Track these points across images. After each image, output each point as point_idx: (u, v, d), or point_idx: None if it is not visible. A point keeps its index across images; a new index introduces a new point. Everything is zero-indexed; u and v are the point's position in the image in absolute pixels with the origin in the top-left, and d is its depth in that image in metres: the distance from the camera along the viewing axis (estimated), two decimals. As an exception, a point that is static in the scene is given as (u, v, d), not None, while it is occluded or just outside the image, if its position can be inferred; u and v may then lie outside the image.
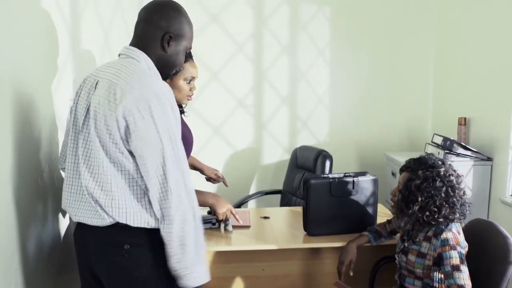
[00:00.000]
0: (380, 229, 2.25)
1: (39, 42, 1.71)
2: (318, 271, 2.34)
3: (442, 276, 1.86)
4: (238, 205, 3.44)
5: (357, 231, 2.28)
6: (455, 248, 1.80)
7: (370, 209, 2.35)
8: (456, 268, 1.78)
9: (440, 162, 1.94)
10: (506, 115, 2.97)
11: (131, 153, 1.43)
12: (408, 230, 2.04)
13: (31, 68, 1.63)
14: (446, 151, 3.18)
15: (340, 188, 2.29)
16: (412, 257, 1.94)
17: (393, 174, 3.64)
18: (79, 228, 1.58)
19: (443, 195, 1.86)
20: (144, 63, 1.52)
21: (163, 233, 1.43)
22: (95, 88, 1.47)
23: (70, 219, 1.96)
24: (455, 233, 1.83)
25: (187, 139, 2.12)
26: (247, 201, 3.64)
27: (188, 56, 2.04)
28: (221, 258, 2.30)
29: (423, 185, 1.87)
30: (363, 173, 2.37)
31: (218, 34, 3.81)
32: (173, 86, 2.00)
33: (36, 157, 1.67)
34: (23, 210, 1.55)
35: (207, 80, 3.83)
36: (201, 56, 3.76)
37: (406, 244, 2.00)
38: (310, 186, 2.26)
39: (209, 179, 2.65)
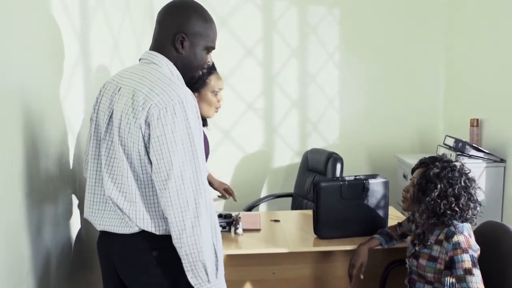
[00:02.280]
0: (391, 231, 2.23)
1: (48, 47, 1.72)
2: (329, 274, 2.33)
3: (454, 280, 1.83)
4: (249, 208, 3.44)
5: (368, 234, 2.26)
6: (467, 251, 1.78)
7: (381, 212, 2.34)
8: (469, 271, 1.75)
9: (454, 160, 1.95)
10: (519, 116, 2.94)
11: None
12: (419, 233, 2.02)
13: (40, 72, 1.64)
14: (458, 152, 3.15)
15: (351, 191, 2.28)
16: (423, 261, 1.92)
17: (404, 176, 3.61)
18: (104, 237, 1.55)
19: (462, 184, 1.85)
20: (166, 67, 1.49)
21: (178, 247, 1.36)
22: (118, 95, 1.45)
23: (82, 223, 1.97)
24: (466, 236, 1.81)
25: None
26: (258, 204, 3.64)
27: (212, 69, 2.07)
28: (231, 261, 2.29)
29: (443, 173, 1.86)
30: (373, 176, 2.36)
31: (227, 38, 3.82)
32: (201, 99, 2.06)
33: (46, 161, 1.68)
34: (34, 215, 1.56)
35: (217, 84, 3.83)
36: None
37: (417, 248, 1.98)
38: (320, 189, 2.25)
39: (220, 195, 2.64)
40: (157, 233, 1.44)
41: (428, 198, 1.86)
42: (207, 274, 1.37)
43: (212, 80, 2.07)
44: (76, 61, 1.98)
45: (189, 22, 1.50)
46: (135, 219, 1.43)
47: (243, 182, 3.99)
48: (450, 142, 3.35)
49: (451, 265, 1.82)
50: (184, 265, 1.38)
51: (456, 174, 1.86)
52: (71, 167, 1.90)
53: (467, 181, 1.87)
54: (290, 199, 3.63)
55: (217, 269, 1.40)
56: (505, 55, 3.11)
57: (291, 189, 3.69)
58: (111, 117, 1.46)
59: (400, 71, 3.98)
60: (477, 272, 1.76)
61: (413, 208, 1.98)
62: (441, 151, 3.40)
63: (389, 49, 3.97)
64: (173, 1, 1.55)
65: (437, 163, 1.91)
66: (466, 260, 1.76)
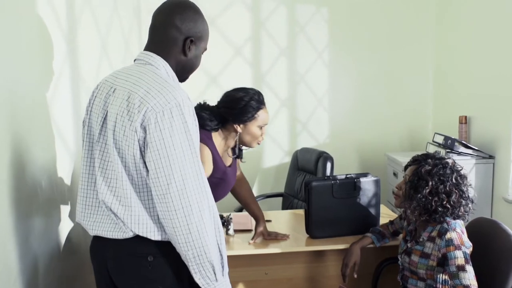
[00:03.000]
0: (383, 230, 2.23)
1: (35, 48, 1.69)
2: (322, 273, 2.32)
3: (446, 277, 1.84)
4: (240, 209, 3.42)
5: (360, 232, 2.26)
6: (459, 248, 1.78)
7: (372, 210, 2.33)
8: (461, 268, 1.76)
9: (446, 157, 1.95)
10: (507, 113, 2.96)
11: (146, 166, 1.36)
12: (411, 230, 2.02)
13: (26, 74, 1.61)
14: (447, 150, 3.17)
15: (342, 190, 2.28)
16: (415, 258, 1.93)
17: (394, 174, 3.62)
18: (97, 242, 1.51)
19: (453, 181, 1.86)
20: (163, 69, 1.45)
21: (184, 251, 1.35)
22: (113, 96, 1.40)
23: (71, 229, 1.95)
24: (459, 233, 1.81)
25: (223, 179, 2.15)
26: (249, 205, 3.61)
27: (261, 103, 2.09)
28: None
29: (434, 170, 1.87)
30: (364, 174, 2.36)
31: (216, 38, 3.80)
32: (246, 132, 2.07)
33: (33, 167, 1.65)
34: (21, 222, 1.53)
35: (206, 84, 3.82)
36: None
37: (409, 245, 1.99)
38: (312, 188, 2.25)
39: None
40: (152, 238, 1.40)
41: (419, 195, 1.87)
42: (214, 273, 1.37)
43: (261, 115, 2.07)
44: (64, 61, 1.95)
45: (198, 26, 1.49)
46: (129, 223, 1.39)
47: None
48: (439, 139, 3.36)
49: (443, 262, 1.82)
50: (191, 267, 1.36)
51: (448, 171, 1.87)
52: (58, 173, 1.87)
53: (458, 178, 1.87)
54: (280, 199, 3.63)
55: (223, 267, 1.40)
56: (492, 54, 3.13)
57: (281, 189, 3.68)
58: (105, 119, 1.42)
59: (389, 70, 4.00)
60: (469, 268, 1.76)
61: (405, 205, 1.97)
62: (431, 148, 3.41)
63: (378, 48, 3.97)
64: (176, 2, 1.50)
65: (429, 160, 1.91)
66: (459, 257, 1.77)
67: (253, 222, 2.57)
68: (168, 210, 1.32)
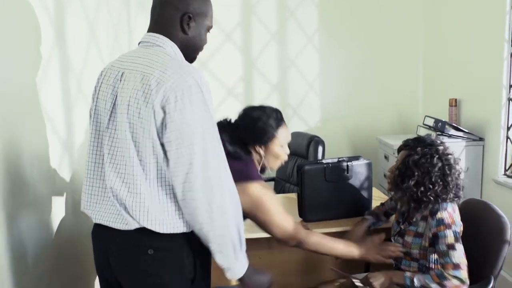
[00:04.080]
0: (378, 211, 2.25)
1: (22, 34, 1.67)
2: (315, 256, 2.33)
3: (437, 256, 1.86)
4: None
5: (353, 215, 2.28)
6: (450, 227, 1.80)
7: (365, 193, 2.35)
8: (451, 246, 1.78)
9: (438, 142, 1.94)
10: (497, 95, 2.97)
11: (164, 147, 1.33)
12: (403, 212, 2.04)
13: (13, 62, 1.59)
14: (438, 132, 3.19)
15: (335, 173, 2.28)
16: (409, 238, 1.94)
17: (385, 157, 3.64)
18: (100, 229, 1.48)
19: (439, 172, 1.85)
20: (171, 49, 1.43)
21: (206, 231, 1.35)
22: (123, 80, 1.37)
23: (62, 220, 1.94)
24: (450, 212, 1.83)
25: None
26: (241, 190, 3.62)
27: (280, 120, 1.94)
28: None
29: (421, 161, 1.86)
30: (356, 158, 2.37)
31: (206, 23, 3.77)
32: (269, 153, 1.91)
33: (23, 154, 1.64)
34: (13, 213, 1.52)
35: (196, 70, 3.79)
36: (189, 45, 3.73)
37: (402, 227, 2.00)
38: (304, 172, 2.25)
39: None
40: (156, 229, 1.36)
41: (405, 185, 1.88)
42: (234, 252, 1.38)
43: (280, 133, 1.91)
44: (52, 48, 1.92)
45: (196, 1, 1.45)
46: (137, 213, 1.35)
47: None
48: (430, 122, 3.38)
49: (434, 241, 1.85)
50: (212, 247, 1.36)
51: (435, 161, 1.86)
52: (50, 162, 1.85)
53: (446, 168, 1.86)
54: (272, 183, 3.63)
55: (241, 246, 1.42)
56: (481, 37, 3.14)
57: (273, 173, 3.68)
58: (114, 104, 1.39)
59: (379, 54, 4.00)
60: (459, 247, 1.79)
61: (393, 192, 1.99)
62: (421, 131, 3.43)
63: (368, 32, 3.97)
64: None
65: (419, 148, 1.89)
66: (449, 236, 1.79)
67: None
68: (190, 190, 1.31)
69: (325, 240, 1.93)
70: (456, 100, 3.38)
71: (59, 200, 1.94)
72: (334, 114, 4.06)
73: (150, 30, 1.47)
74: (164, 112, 1.29)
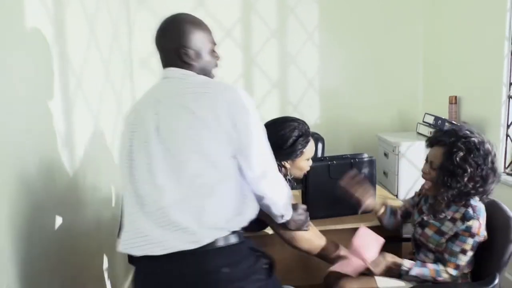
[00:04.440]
0: (398, 210, 2.23)
1: (22, 32, 1.66)
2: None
3: (445, 251, 1.90)
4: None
5: (357, 213, 2.28)
6: (473, 237, 1.82)
7: (368, 190, 2.35)
8: (464, 251, 1.83)
9: (469, 132, 1.88)
10: (497, 93, 2.99)
11: (232, 154, 1.40)
12: (430, 204, 2.03)
13: (13, 60, 1.59)
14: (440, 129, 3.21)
15: (339, 170, 2.29)
16: (429, 232, 1.95)
17: (385, 154, 3.65)
18: (154, 262, 1.37)
19: (489, 164, 1.83)
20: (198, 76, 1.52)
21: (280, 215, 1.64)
22: (163, 106, 1.41)
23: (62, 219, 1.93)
24: (480, 223, 1.83)
25: None
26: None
27: (307, 136, 1.95)
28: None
29: (470, 156, 1.82)
30: (360, 154, 2.37)
31: (205, 21, 3.74)
32: (294, 166, 1.95)
33: (24, 155, 1.63)
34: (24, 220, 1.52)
35: (196, 67, 3.78)
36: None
37: (425, 218, 2.00)
38: (309, 169, 2.25)
39: None
40: (227, 235, 1.38)
41: (459, 184, 1.83)
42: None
43: (308, 148, 1.95)
44: (52, 46, 1.91)
45: (185, 35, 1.51)
46: (204, 225, 1.34)
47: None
48: (430, 119, 3.40)
49: (451, 239, 1.87)
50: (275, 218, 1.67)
51: (482, 154, 1.82)
52: (49, 161, 1.85)
53: (491, 158, 1.84)
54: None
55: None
56: (481, 35, 3.15)
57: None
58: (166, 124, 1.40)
59: (379, 51, 4.01)
60: (470, 254, 1.84)
61: (436, 190, 1.94)
62: (421, 129, 3.45)
63: (368, 29, 3.97)
64: (161, 26, 1.55)
65: (459, 143, 1.84)
66: (468, 243, 1.83)
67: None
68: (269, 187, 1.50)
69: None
70: (456, 97, 3.39)
71: (60, 199, 1.94)
72: (334, 111, 4.06)
73: (168, 66, 1.56)
74: (233, 122, 1.41)
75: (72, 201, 2.05)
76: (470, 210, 1.84)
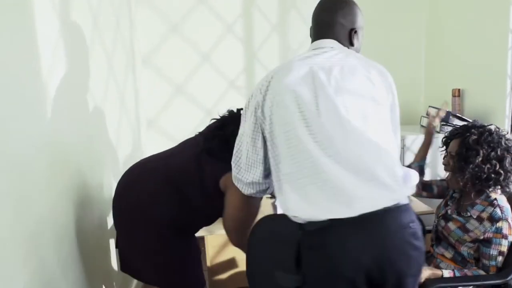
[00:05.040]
0: (434, 184, 2.25)
1: (27, 27, 1.65)
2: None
3: (471, 251, 1.93)
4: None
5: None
6: (506, 238, 1.85)
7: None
8: (502, 254, 1.86)
9: (486, 124, 1.96)
10: (501, 84, 2.99)
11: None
12: (456, 198, 2.06)
13: (19, 56, 1.57)
14: (442, 122, 3.20)
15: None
16: (452, 226, 1.98)
17: (389, 148, 3.65)
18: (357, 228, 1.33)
19: (504, 145, 1.87)
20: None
21: None
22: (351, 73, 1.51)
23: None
24: (510, 223, 1.86)
25: None
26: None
27: None
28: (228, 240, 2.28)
29: (482, 138, 1.87)
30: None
31: (207, 15, 3.75)
32: None
33: (32, 150, 1.62)
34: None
35: (198, 62, 3.77)
36: (190, 38, 3.70)
37: (449, 211, 2.03)
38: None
39: None
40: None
41: (471, 165, 1.87)
42: None
43: None
44: (57, 40, 1.91)
45: (357, 18, 1.66)
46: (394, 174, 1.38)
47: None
48: (433, 112, 3.38)
49: (485, 244, 1.88)
50: None
51: (495, 137, 1.87)
52: (56, 156, 1.84)
53: (507, 142, 1.88)
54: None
55: None
56: (484, 26, 3.15)
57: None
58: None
59: (381, 44, 3.99)
60: (505, 254, 1.87)
61: (458, 177, 1.96)
62: (425, 122, 3.44)
63: (370, 22, 3.95)
64: (337, 2, 1.64)
65: (473, 130, 1.91)
66: (503, 245, 1.85)
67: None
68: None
69: None
70: (459, 90, 3.39)
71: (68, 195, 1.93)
72: (336, 106, 4.05)
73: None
74: (393, 96, 1.65)
75: (79, 199, 2.04)
76: (498, 210, 1.86)
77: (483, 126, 1.94)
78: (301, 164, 1.39)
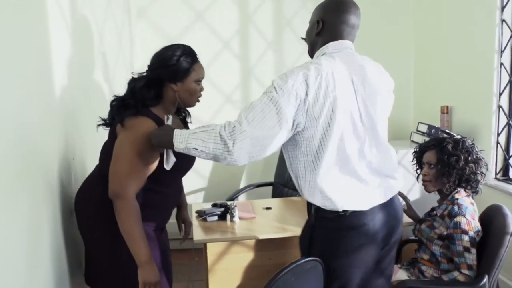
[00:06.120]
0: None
1: (42, 39, 1.75)
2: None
3: (443, 250, 2.05)
4: (230, 199, 3.49)
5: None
6: (467, 233, 1.98)
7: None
8: (467, 249, 1.97)
9: (446, 133, 2.27)
10: (487, 102, 3.12)
11: None
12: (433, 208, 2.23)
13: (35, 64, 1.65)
14: (431, 137, 3.32)
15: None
16: (423, 226, 2.15)
17: (380, 162, 3.76)
18: (386, 209, 1.75)
19: (476, 149, 2.14)
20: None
21: None
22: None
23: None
24: (468, 220, 2.00)
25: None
26: (238, 195, 3.65)
27: (196, 57, 1.97)
28: (228, 249, 2.35)
29: (459, 145, 2.11)
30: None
31: (204, 32, 3.84)
32: (184, 89, 1.92)
33: (42, 151, 1.68)
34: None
35: (195, 77, 3.85)
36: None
37: (424, 216, 2.22)
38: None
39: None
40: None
41: (455, 169, 2.08)
42: None
43: (196, 69, 1.94)
44: (68, 52, 1.99)
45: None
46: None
47: (222, 173, 4.03)
48: (424, 128, 3.52)
49: (444, 239, 2.03)
50: None
51: (466, 142, 2.13)
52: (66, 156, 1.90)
53: (476, 148, 2.15)
54: (270, 188, 3.70)
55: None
56: (471, 45, 3.29)
57: (271, 178, 3.76)
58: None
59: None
60: (474, 251, 1.97)
61: (439, 185, 2.16)
62: (415, 137, 3.57)
63: (359, 40, 4.06)
64: (351, 3, 1.90)
65: (447, 139, 2.15)
66: (465, 240, 1.97)
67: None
68: None
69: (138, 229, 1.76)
70: (447, 107, 3.52)
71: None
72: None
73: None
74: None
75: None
76: (455, 207, 2.04)
77: (451, 136, 2.23)
78: None
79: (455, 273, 2.00)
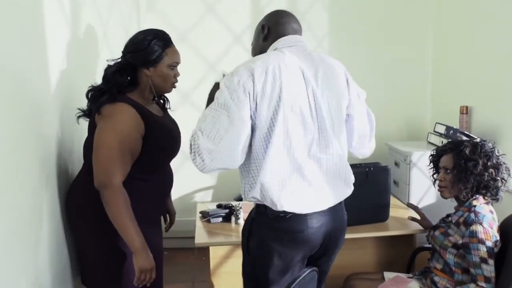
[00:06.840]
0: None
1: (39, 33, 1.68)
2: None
3: (458, 259, 1.94)
4: (239, 198, 3.40)
5: (371, 221, 2.26)
6: (483, 242, 1.84)
7: (383, 199, 2.34)
8: (484, 260, 1.84)
9: (465, 136, 2.12)
10: (510, 102, 2.97)
11: None
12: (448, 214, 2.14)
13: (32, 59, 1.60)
14: (449, 140, 3.18)
15: (355, 179, 2.26)
16: (437, 233, 2.04)
17: (396, 164, 3.61)
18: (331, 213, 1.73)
19: (496, 154, 2.01)
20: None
21: None
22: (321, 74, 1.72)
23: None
24: (485, 228, 1.86)
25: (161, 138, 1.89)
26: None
27: (168, 41, 1.89)
28: (231, 252, 2.27)
29: (477, 149, 1.99)
30: (375, 163, 2.35)
31: (215, 25, 3.76)
32: (158, 74, 1.86)
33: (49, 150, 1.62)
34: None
35: (204, 72, 3.77)
36: (198, 47, 3.70)
37: (439, 222, 2.12)
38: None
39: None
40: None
41: (473, 175, 1.96)
42: None
43: (169, 53, 1.86)
44: (68, 47, 1.93)
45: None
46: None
47: (231, 172, 3.92)
48: (441, 129, 3.38)
49: (460, 248, 1.91)
50: None
51: (486, 146, 1.99)
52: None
53: (497, 152, 2.01)
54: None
55: None
56: (492, 42, 3.14)
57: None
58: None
59: (388, 59, 3.98)
60: (491, 262, 1.84)
61: (456, 191, 2.04)
62: (432, 138, 3.43)
63: (377, 37, 3.96)
64: (287, 13, 1.91)
65: (465, 143, 2.02)
66: (482, 250, 1.83)
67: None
68: None
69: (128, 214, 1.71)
70: (467, 107, 3.37)
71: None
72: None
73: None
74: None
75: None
76: (472, 214, 1.91)
77: (470, 139, 2.09)
78: None
79: (471, 286, 1.86)
